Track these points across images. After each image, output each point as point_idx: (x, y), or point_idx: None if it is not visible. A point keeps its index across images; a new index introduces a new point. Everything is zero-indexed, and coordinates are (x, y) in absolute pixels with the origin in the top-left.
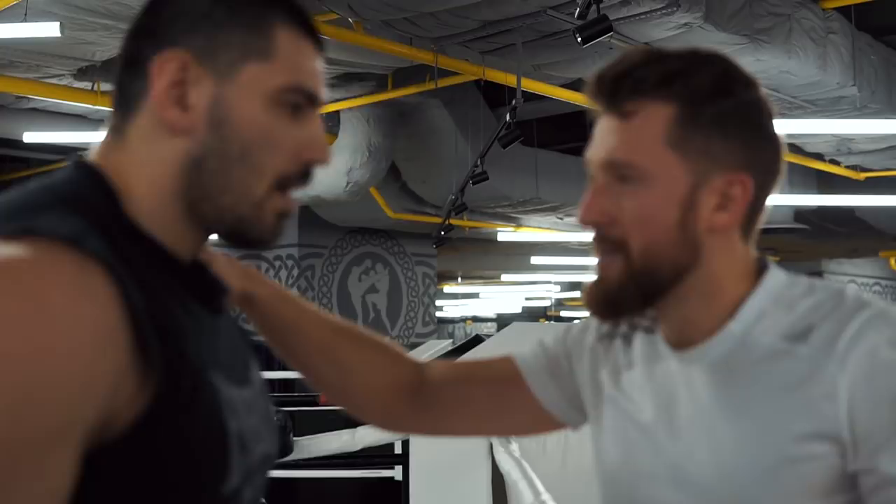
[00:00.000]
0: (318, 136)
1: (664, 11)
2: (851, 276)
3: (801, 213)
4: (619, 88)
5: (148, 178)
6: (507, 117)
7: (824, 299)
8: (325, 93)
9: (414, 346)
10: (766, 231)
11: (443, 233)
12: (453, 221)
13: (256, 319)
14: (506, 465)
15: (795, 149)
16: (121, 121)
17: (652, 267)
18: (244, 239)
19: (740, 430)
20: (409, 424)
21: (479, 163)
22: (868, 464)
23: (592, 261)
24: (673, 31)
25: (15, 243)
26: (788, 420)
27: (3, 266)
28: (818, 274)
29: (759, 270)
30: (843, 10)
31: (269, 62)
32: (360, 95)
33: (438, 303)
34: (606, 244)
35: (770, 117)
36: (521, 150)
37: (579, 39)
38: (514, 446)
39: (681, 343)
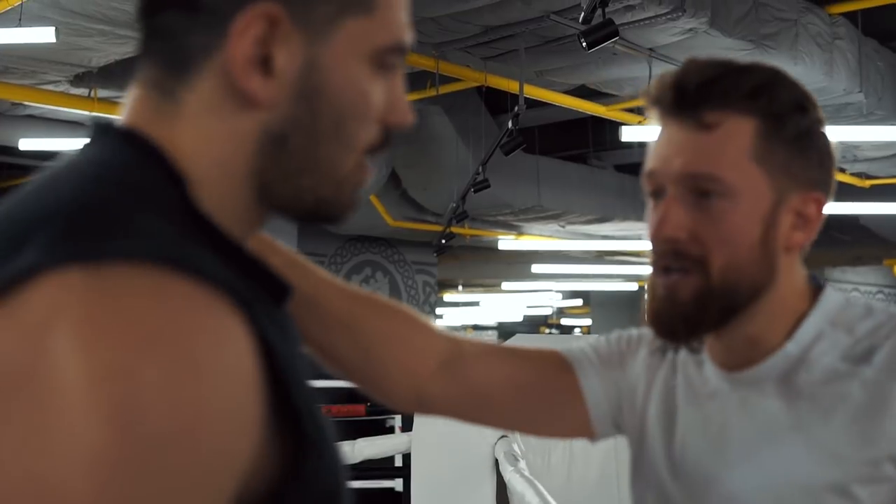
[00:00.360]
0: (404, 94)
1: (669, 17)
2: (854, 285)
3: None
4: (704, 98)
5: (215, 158)
6: (510, 124)
7: (884, 321)
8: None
9: None
10: None
11: (443, 241)
12: (454, 229)
13: None
14: (518, 485)
15: None
16: (171, 78)
17: (732, 286)
18: (321, 219)
19: (805, 451)
20: (440, 404)
21: (480, 170)
22: None
23: (592, 269)
24: (678, 37)
25: (122, 277)
26: (856, 442)
27: (128, 314)
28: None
29: (814, 290)
30: (850, 16)
31: (370, 16)
32: None
33: (439, 311)
34: (679, 261)
35: (828, 139)
36: (522, 157)
37: (584, 45)
38: (523, 464)
39: (734, 364)
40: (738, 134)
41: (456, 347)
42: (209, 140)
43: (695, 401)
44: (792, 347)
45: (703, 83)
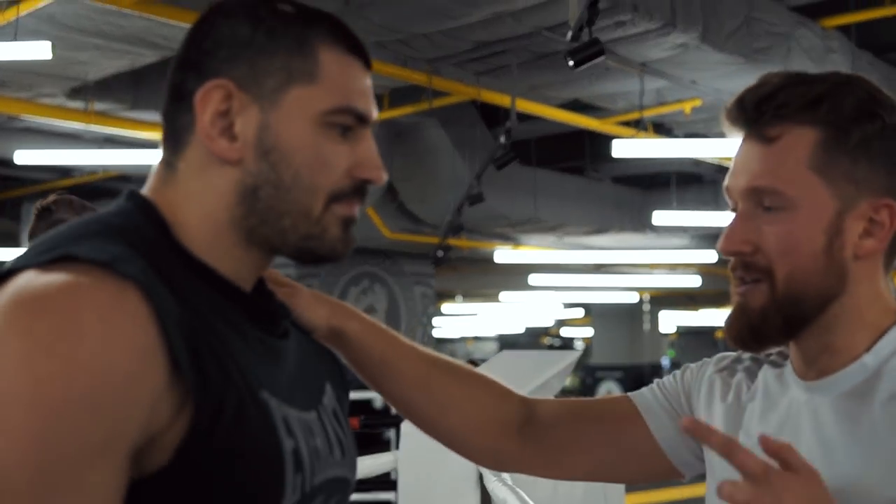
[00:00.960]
0: (370, 155)
1: (660, 32)
2: None
3: None
4: (762, 113)
5: (201, 209)
6: (501, 139)
7: None
8: (375, 110)
9: None
10: None
11: (440, 253)
12: (451, 241)
13: (347, 355)
14: (500, 492)
15: None
16: (171, 155)
17: (798, 295)
18: (314, 256)
19: (862, 467)
20: (516, 462)
21: (475, 183)
22: None
23: (591, 280)
24: (670, 52)
25: (53, 269)
26: None
27: (38, 290)
28: None
29: None
30: (845, 29)
31: (315, 85)
32: None
33: (439, 322)
34: (749, 273)
35: None
36: (519, 169)
37: (571, 63)
38: (507, 475)
39: (812, 374)
40: (797, 145)
41: (531, 408)
42: (194, 195)
43: (768, 407)
44: (869, 359)
45: (762, 98)
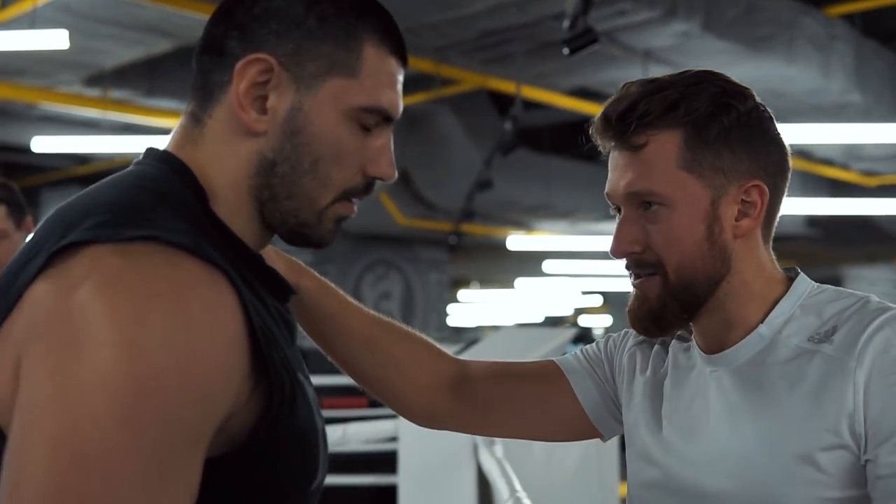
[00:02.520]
0: (386, 152)
1: (661, 20)
2: (869, 282)
3: (815, 220)
4: (627, 124)
5: (227, 175)
6: (507, 126)
7: (850, 304)
8: (401, 109)
9: None
10: (782, 239)
11: (454, 239)
12: (465, 228)
13: (300, 311)
14: (486, 464)
15: (804, 154)
16: (199, 108)
17: (688, 281)
18: (304, 241)
19: (766, 427)
20: (450, 421)
21: (485, 170)
22: (872, 454)
23: (606, 267)
24: (672, 40)
25: (140, 251)
26: (813, 416)
27: (141, 276)
28: (836, 281)
29: (790, 280)
30: (849, 17)
31: (354, 79)
32: None
33: (456, 310)
34: (643, 269)
35: (770, 121)
36: (532, 157)
37: (567, 51)
38: (498, 447)
39: (713, 348)
40: (663, 148)
41: (463, 368)
42: (220, 159)
43: (678, 380)
44: (764, 329)
45: (624, 111)
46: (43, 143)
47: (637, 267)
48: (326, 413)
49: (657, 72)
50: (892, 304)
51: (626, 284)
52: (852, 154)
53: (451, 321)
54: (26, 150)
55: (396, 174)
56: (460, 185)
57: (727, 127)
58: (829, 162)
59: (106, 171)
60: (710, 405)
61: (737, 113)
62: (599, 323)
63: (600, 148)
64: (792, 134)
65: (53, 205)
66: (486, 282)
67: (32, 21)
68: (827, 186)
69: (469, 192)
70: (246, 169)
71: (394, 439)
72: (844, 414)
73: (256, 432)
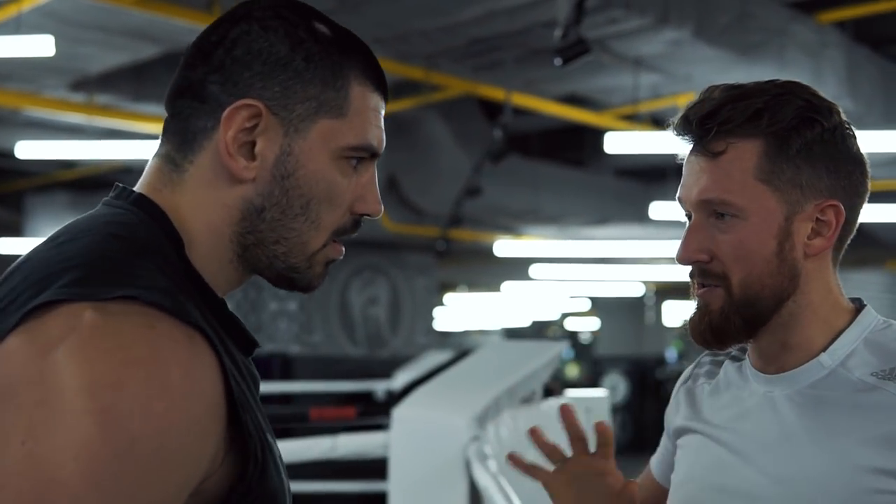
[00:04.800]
0: (372, 188)
1: (653, 28)
2: (857, 286)
3: None
4: (707, 129)
5: (206, 220)
6: (497, 133)
7: None
8: (384, 143)
9: (413, 357)
10: None
11: (442, 245)
12: (453, 233)
13: None
14: (483, 480)
15: None
16: (179, 155)
17: (753, 297)
18: (290, 285)
19: (824, 456)
20: None
21: (474, 177)
22: None
23: (594, 272)
24: (663, 48)
25: (119, 311)
26: (871, 452)
27: (119, 339)
28: None
29: (857, 309)
30: (841, 24)
31: (342, 119)
32: None
33: (444, 315)
34: (707, 279)
35: (853, 139)
36: (520, 162)
37: (559, 62)
38: (492, 462)
39: (770, 369)
40: (742, 157)
41: None
42: (202, 205)
43: (731, 399)
44: (826, 359)
45: (706, 115)
46: (27, 149)
47: (701, 276)
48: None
49: (648, 80)
50: None
51: (613, 289)
52: None
53: (438, 325)
54: (10, 155)
55: (382, 209)
56: (448, 191)
57: (810, 141)
58: None
59: (91, 176)
60: (763, 426)
61: (821, 128)
62: (586, 327)
63: (677, 151)
64: None
65: (38, 210)
66: (474, 286)
67: (17, 26)
68: None
69: (458, 199)
70: (229, 216)
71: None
72: None
73: (229, 498)
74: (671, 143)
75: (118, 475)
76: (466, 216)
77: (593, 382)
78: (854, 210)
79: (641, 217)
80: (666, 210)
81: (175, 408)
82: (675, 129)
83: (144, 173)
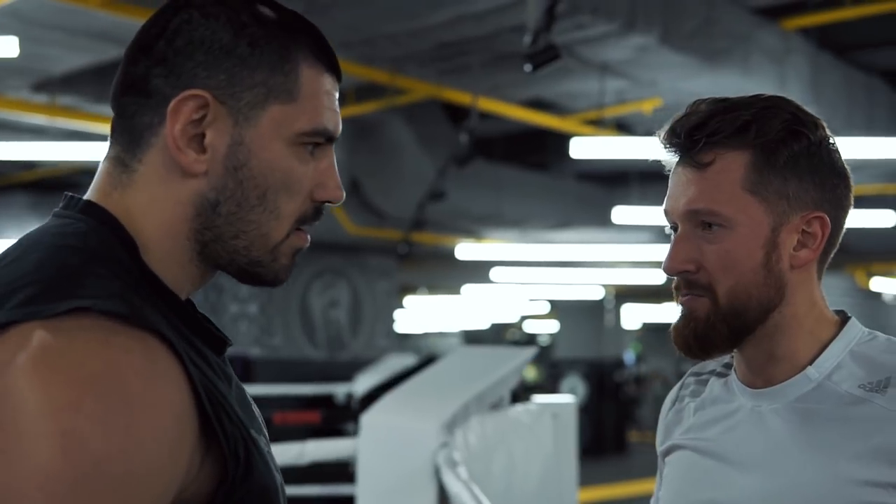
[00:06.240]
0: (332, 174)
1: (619, 34)
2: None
3: None
4: (695, 141)
5: (162, 221)
6: (463, 138)
7: None
8: (340, 126)
9: (374, 360)
10: None
11: (404, 248)
12: (415, 237)
13: None
14: (454, 487)
15: None
16: (127, 154)
17: (740, 307)
18: (257, 280)
19: (814, 470)
20: None
21: (439, 180)
22: None
23: (554, 275)
24: (629, 53)
25: (70, 327)
26: (861, 465)
27: (71, 357)
28: None
29: (842, 321)
30: (806, 31)
31: (293, 104)
32: None
33: (402, 317)
34: (693, 289)
35: (838, 154)
36: (483, 166)
37: (530, 68)
38: (462, 469)
39: (757, 381)
40: (730, 168)
41: None
42: (155, 204)
43: (717, 414)
44: (813, 372)
45: (693, 126)
46: None
47: (687, 287)
48: (279, 428)
49: (613, 85)
50: None
51: (573, 292)
52: None
53: (398, 328)
54: None
55: (344, 194)
56: (411, 194)
57: (797, 154)
58: None
59: (52, 177)
60: (751, 439)
61: (807, 141)
62: (545, 329)
63: (664, 163)
64: None
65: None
66: (434, 288)
67: None
68: None
69: (421, 202)
70: (183, 212)
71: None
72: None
73: (214, 499)
74: (635, 149)
75: (87, 500)
76: (429, 219)
77: (552, 385)
78: (838, 223)
79: (603, 221)
80: (628, 214)
81: (139, 422)
82: (662, 140)
83: (95, 178)
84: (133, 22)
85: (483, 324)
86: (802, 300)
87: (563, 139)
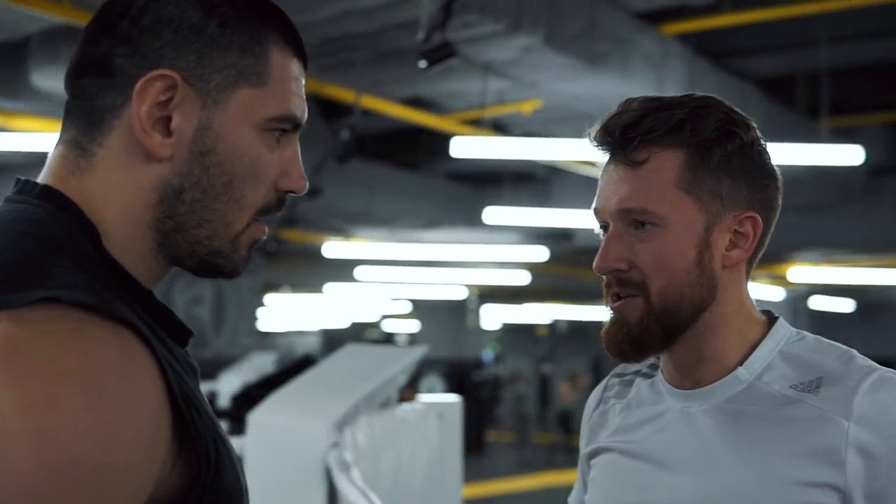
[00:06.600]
0: (297, 163)
1: (505, 34)
2: None
3: None
4: (629, 139)
5: (123, 207)
6: (344, 135)
7: (835, 356)
8: (306, 114)
9: (238, 358)
10: (595, 252)
11: (273, 245)
12: (284, 234)
13: None
14: (350, 493)
15: None
16: (85, 138)
17: (672, 306)
18: (214, 272)
19: (749, 471)
20: None
21: (315, 177)
22: None
23: (418, 275)
24: (513, 54)
25: (39, 317)
26: (795, 466)
27: (44, 350)
28: None
29: (769, 321)
30: (684, 35)
31: (263, 88)
32: None
33: (264, 315)
34: (625, 288)
35: (768, 155)
36: (355, 164)
37: (424, 64)
38: (356, 472)
39: (686, 383)
40: (664, 167)
41: None
42: (116, 190)
43: (645, 416)
44: (743, 373)
45: (628, 125)
46: None
47: (619, 286)
48: None
49: (494, 85)
50: (874, 363)
51: (435, 291)
52: None
53: (261, 326)
54: None
55: (308, 185)
56: None
57: (730, 153)
58: None
59: None
60: (681, 441)
61: (740, 141)
62: (405, 329)
63: (594, 162)
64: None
65: None
66: (297, 286)
67: None
68: None
69: (294, 199)
70: (145, 199)
71: None
72: (834, 471)
73: (186, 501)
74: (515, 149)
75: (63, 499)
76: (301, 217)
77: (411, 384)
78: (769, 223)
79: (473, 221)
80: (500, 215)
81: (116, 418)
82: (594, 138)
83: (48, 163)
84: (11, 7)
85: (343, 323)
86: (732, 300)
87: (435, 138)
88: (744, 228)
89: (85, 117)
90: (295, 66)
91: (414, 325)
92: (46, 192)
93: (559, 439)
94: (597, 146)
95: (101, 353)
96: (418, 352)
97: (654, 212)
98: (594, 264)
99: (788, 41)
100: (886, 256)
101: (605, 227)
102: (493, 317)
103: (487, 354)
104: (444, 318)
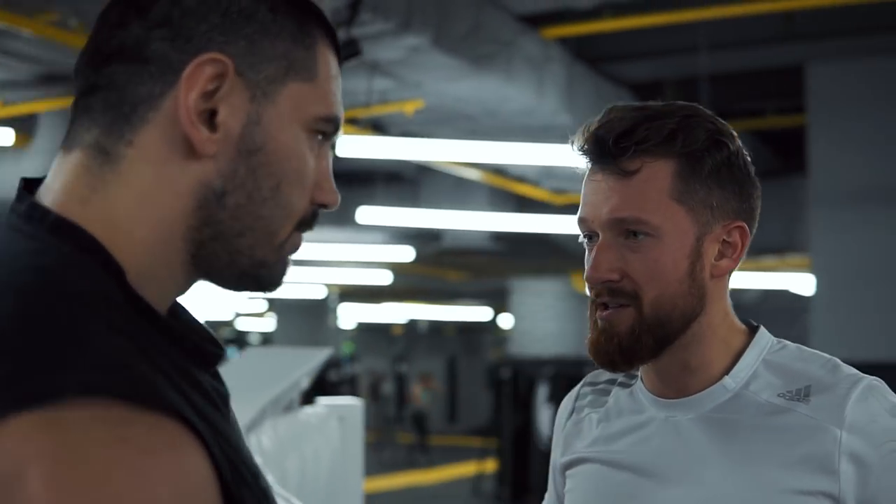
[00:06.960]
0: (330, 176)
1: (395, 33)
2: (538, 292)
3: (499, 235)
4: (623, 148)
5: (153, 223)
6: None
7: (820, 364)
8: None
9: None
10: (459, 252)
11: None
12: None
13: None
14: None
15: (499, 171)
16: (111, 136)
17: (664, 317)
18: (254, 285)
19: (741, 480)
20: None
21: None
22: None
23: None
24: (401, 53)
25: (83, 420)
26: (789, 474)
27: (96, 471)
28: (505, 291)
29: (750, 329)
30: (564, 40)
31: (312, 83)
32: (62, 96)
33: None
34: (616, 298)
35: (750, 164)
36: None
37: None
38: (269, 476)
39: (669, 392)
40: (657, 177)
41: None
42: (147, 202)
43: (626, 425)
44: (729, 382)
45: (620, 134)
46: None
47: (610, 296)
48: None
49: (382, 84)
50: (859, 371)
51: (294, 290)
52: (545, 172)
53: None
54: None
55: (338, 202)
56: None
57: (719, 164)
58: (522, 179)
59: None
60: (666, 451)
61: (728, 151)
62: (259, 327)
63: (577, 169)
64: (499, 154)
65: None
66: None
67: None
68: (515, 202)
69: None
70: (182, 207)
71: None
72: (825, 479)
73: None
74: (396, 149)
75: None
76: None
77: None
78: (752, 232)
79: (341, 220)
80: (372, 215)
81: None
82: (584, 147)
83: (61, 175)
84: None
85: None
86: (718, 310)
87: None
88: (732, 238)
89: (112, 111)
90: (335, 66)
91: (269, 324)
92: (60, 226)
93: (415, 440)
94: (583, 155)
95: (151, 462)
96: (323, 354)
97: (649, 221)
98: (585, 275)
99: (662, 48)
100: (758, 260)
101: (589, 236)
102: (349, 316)
103: (342, 353)
104: (302, 317)
